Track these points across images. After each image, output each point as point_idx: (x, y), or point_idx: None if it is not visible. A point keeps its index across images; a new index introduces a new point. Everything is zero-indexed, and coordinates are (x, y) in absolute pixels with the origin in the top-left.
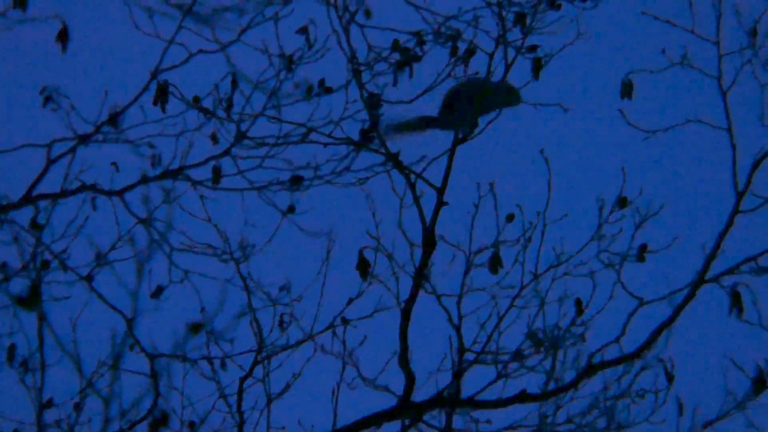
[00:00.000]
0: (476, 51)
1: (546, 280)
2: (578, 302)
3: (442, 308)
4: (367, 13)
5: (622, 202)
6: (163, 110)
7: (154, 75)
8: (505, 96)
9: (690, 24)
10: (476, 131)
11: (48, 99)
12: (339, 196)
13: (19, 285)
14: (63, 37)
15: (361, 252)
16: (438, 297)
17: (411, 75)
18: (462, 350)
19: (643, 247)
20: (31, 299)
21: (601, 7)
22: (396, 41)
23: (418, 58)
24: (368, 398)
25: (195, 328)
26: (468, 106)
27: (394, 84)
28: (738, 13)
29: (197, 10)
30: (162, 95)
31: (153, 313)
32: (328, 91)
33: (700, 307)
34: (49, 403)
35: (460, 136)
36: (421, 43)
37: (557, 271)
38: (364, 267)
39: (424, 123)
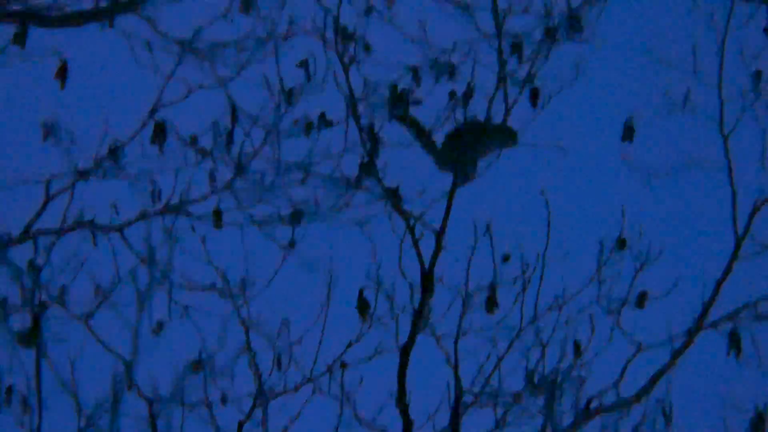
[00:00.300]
0: (474, 93)
1: (545, 322)
2: (577, 345)
3: (441, 350)
4: (367, 48)
5: (621, 243)
6: (161, 150)
7: (154, 111)
8: (502, 137)
9: (691, 67)
10: (475, 174)
11: (48, 132)
12: (338, 233)
13: (19, 322)
14: (62, 73)
15: (361, 292)
16: (437, 339)
17: (408, 108)
18: (460, 392)
19: (642, 294)
20: (31, 336)
21: (603, 49)
22: (394, 87)
23: (418, 102)
24: None
25: (196, 366)
26: (467, 150)
27: (390, 120)
28: (742, 56)
29: (197, 46)
30: (160, 134)
31: (153, 351)
32: (329, 124)
33: (698, 352)
34: None
35: (459, 180)
36: (417, 79)
37: (556, 312)
38: (363, 308)
39: (430, 144)
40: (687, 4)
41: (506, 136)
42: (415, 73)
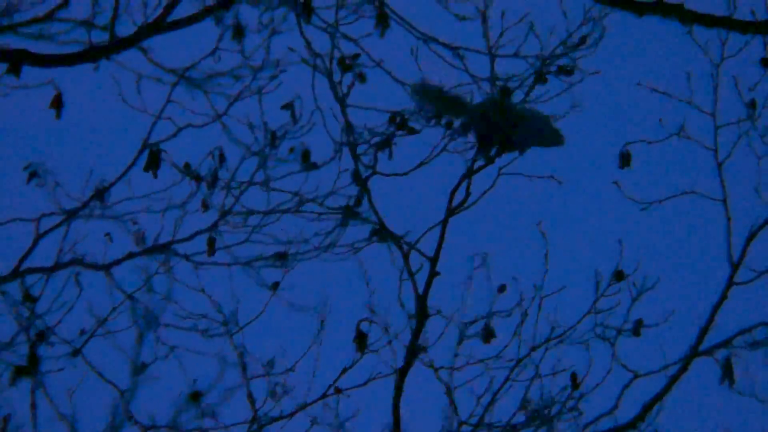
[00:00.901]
0: (470, 127)
1: (542, 353)
2: (573, 376)
3: (438, 380)
4: (361, 78)
5: (618, 275)
6: (155, 176)
7: (143, 149)
8: (548, 133)
9: (687, 95)
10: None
11: (33, 175)
12: (331, 269)
13: (13, 356)
14: (57, 103)
15: (358, 325)
16: (435, 370)
17: (390, 157)
18: (458, 423)
19: (639, 322)
20: (30, 368)
21: (598, 78)
22: (393, 116)
23: (415, 132)
24: None
25: (194, 397)
26: (488, 127)
27: (374, 164)
28: (736, 85)
29: (190, 75)
30: (153, 162)
31: (149, 383)
32: (314, 167)
33: (694, 380)
34: None
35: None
36: (404, 123)
37: (554, 344)
38: (361, 340)
39: (455, 111)
40: (681, 33)
41: (553, 136)
42: (403, 118)
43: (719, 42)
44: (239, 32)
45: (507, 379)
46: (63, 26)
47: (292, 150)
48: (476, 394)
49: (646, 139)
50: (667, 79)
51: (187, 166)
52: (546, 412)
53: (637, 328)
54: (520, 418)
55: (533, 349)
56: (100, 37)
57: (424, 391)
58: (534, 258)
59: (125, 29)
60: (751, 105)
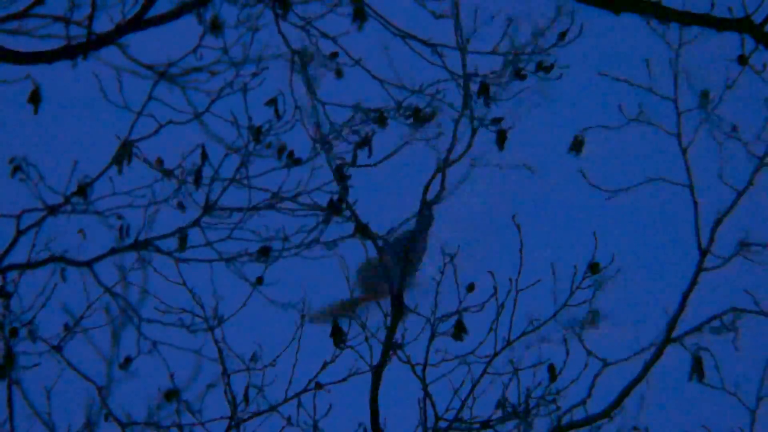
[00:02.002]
0: (436, 116)
1: (519, 347)
2: (551, 368)
3: (415, 376)
4: (339, 73)
5: (594, 268)
6: (120, 171)
7: (123, 146)
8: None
9: (647, 83)
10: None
11: (17, 169)
12: (310, 266)
13: None
14: (35, 98)
15: (335, 321)
16: (412, 366)
17: (370, 155)
18: (436, 419)
19: (594, 313)
20: (5, 367)
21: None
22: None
23: (384, 122)
24: None
25: (170, 395)
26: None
27: (353, 163)
28: (690, 73)
29: (170, 71)
30: (123, 156)
31: (127, 379)
32: (297, 162)
33: (670, 369)
34: None
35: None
36: (382, 120)
37: (530, 337)
38: (338, 335)
39: (349, 305)
40: (641, 24)
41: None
42: (381, 114)
43: (677, 29)
44: (217, 26)
45: (483, 373)
46: (40, 22)
47: (269, 146)
48: (453, 389)
49: (605, 125)
50: (628, 69)
51: (159, 161)
52: (523, 406)
53: (594, 319)
54: (498, 412)
55: (509, 343)
56: (78, 33)
57: (401, 387)
58: (508, 250)
59: (103, 25)
60: (704, 95)
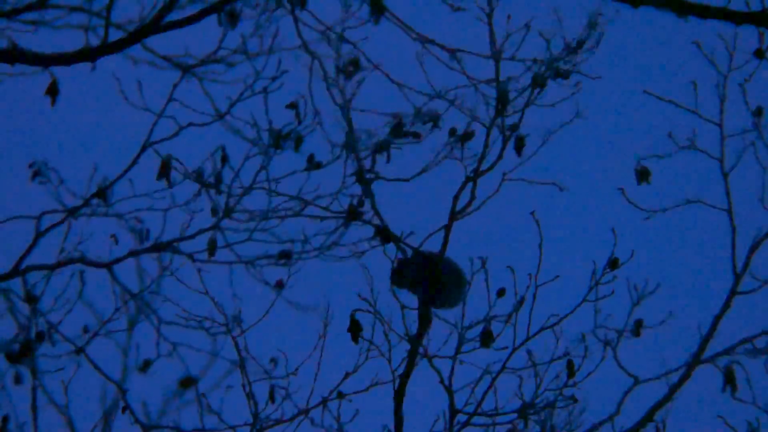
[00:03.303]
0: (474, 135)
1: (539, 344)
2: (570, 364)
3: (434, 370)
4: (355, 65)
5: (613, 263)
6: (169, 185)
7: (144, 148)
8: (454, 284)
9: (692, 104)
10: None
11: (37, 173)
12: (332, 270)
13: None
14: (53, 90)
15: (353, 315)
16: (429, 359)
17: (388, 160)
18: (454, 412)
19: (638, 323)
20: (24, 354)
21: (602, 85)
22: (399, 120)
23: (418, 136)
24: None
25: (186, 383)
26: (416, 277)
27: (372, 166)
28: (744, 93)
29: (184, 61)
30: (165, 170)
31: (145, 378)
32: (318, 166)
33: (696, 387)
34: None
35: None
36: (401, 126)
37: (549, 334)
38: (355, 330)
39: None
40: (687, 41)
41: (458, 284)
42: (400, 121)
43: (727, 52)
44: (234, 18)
45: (503, 368)
46: (58, 12)
47: (287, 136)
48: (474, 382)
49: (657, 154)
50: (672, 88)
51: (200, 174)
52: (542, 400)
53: (638, 328)
54: (517, 406)
55: (528, 338)
56: (97, 23)
57: (420, 380)
58: (536, 261)
59: (121, 13)
60: (758, 113)
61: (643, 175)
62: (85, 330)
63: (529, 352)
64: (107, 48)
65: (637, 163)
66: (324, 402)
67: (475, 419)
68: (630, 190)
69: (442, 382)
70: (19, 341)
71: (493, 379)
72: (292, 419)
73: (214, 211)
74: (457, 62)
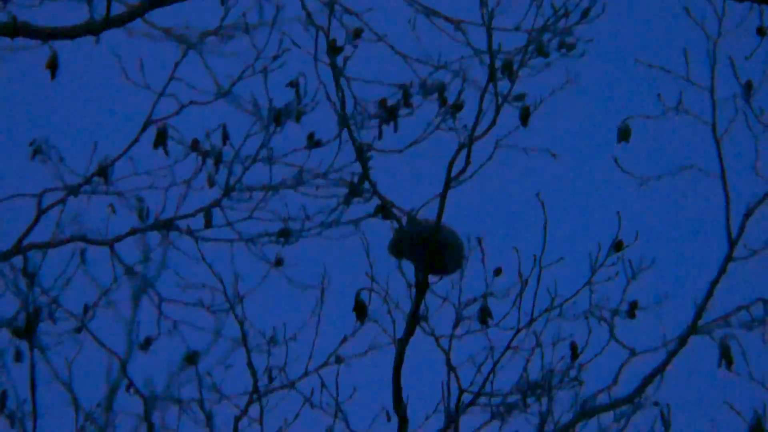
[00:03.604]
0: (464, 106)
1: (542, 324)
2: (573, 346)
3: (440, 349)
4: (357, 34)
5: (617, 246)
6: (167, 153)
7: (145, 126)
8: (452, 253)
9: (683, 71)
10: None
11: (37, 151)
12: (331, 247)
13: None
14: (52, 64)
15: (358, 294)
16: (436, 338)
17: (396, 130)
18: (459, 392)
19: (633, 304)
20: (29, 329)
21: (594, 53)
22: (383, 100)
23: (410, 105)
24: None
25: (190, 358)
26: (414, 247)
27: (380, 138)
28: (733, 65)
29: (187, 34)
30: (161, 139)
31: (148, 357)
32: (318, 144)
33: (693, 358)
34: None
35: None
36: (407, 97)
37: (553, 314)
38: (361, 309)
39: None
40: (678, 8)
41: (456, 255)
42: (405, 91)
43: (716, 18)
44: None
45: (507, 347)
46: None
47: (287, 111)
48: (477, 363)
49: (644, 115)
50: (663, 54)
51: (196, 143)
52: (546, 381)
53: (632, 310)
54: (521, 387)
55: (533, 319)
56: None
57: (425, 361)
58: (532, 230)
59: None
60: (747, 86)
61: (623, 133)
62: (86, 308)
63: (535, 334)
64: (110, 22)
65: (621, 122)
66: (324, 365)
67: (480, 399)
68: (620, 156)
69: (449, 362)
70: (24, 317)
71: (496, 361)
72: (291, 385)
73: (211, 182)
74: (461, 33)
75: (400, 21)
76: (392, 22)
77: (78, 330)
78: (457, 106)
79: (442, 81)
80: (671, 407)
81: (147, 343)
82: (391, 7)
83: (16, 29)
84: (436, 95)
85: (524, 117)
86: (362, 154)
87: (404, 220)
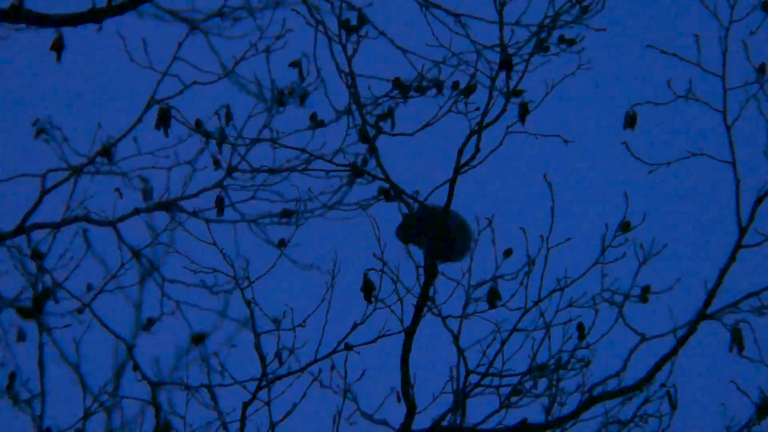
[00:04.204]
0: (476, 88)
1: (550, 305)
2: (580, 327)
3: (447, 330)
4: (362, 20)
5: (625, 227)
6: (166, 134)
7: (149, 106)
8: (460, 236)
9: (695, 57)
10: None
11: (40, 131)
12: (337, 227)
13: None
14: (58, 46)
15: (366, 274)
16: (443, 318)
17: (393, 127)
18: (467, 372)
19: (646, 289)
20: (36, 310)
21: (606, 39)
22: (397, 79)
23: (422, 90)
24: (371, 428)
25: (197, 339)
26: (422, 231)
27: (392, 126)
28: (746, 48)
29: (191, 16)
30: (164, 120)
31: (153, 339)
32: (321, 124)
33: (703, 342)
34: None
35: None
36: (404, 91)
37: (561, 296)
38: (368, 289)
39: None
40: None
41: (464, 238)
42: (402, 86)
43: (728, 5)
44: None
45: (514, 328)
46: None
47: (291, 92)
48: (484, 344)
49: (653, 101)
50: (675, 41)
51: (199, 123)
52: (553, 362)
53: (644, 294)
54: (529, 369)
55: (540, 300)
56: None
57: (432, 342)
58: (542, 217)
59: None
60: (761, 69)
61: (630, 120)
62: (89, 287)
63: (542, 313)
64: (113, 9)
65: (630, 108)
66: (333, 353)
67: (486, 380)
68: (631, 140)
69: (456, 342)
70: (29, 297)
71: (504, 340)
72: (300, 371)
73: (217, 164)
74: (461, 26)
75: (400, 16)
76: (393, 17)
77: (80, 311)
78: (469, 89)
79: (440, 78)
80: (678, 388)
81: (149, 324)
82: (391, 1)
83: (20, 15)
84: (435, 90)
85: (523, 114)
86: (367, 134)
87: (412, 203)
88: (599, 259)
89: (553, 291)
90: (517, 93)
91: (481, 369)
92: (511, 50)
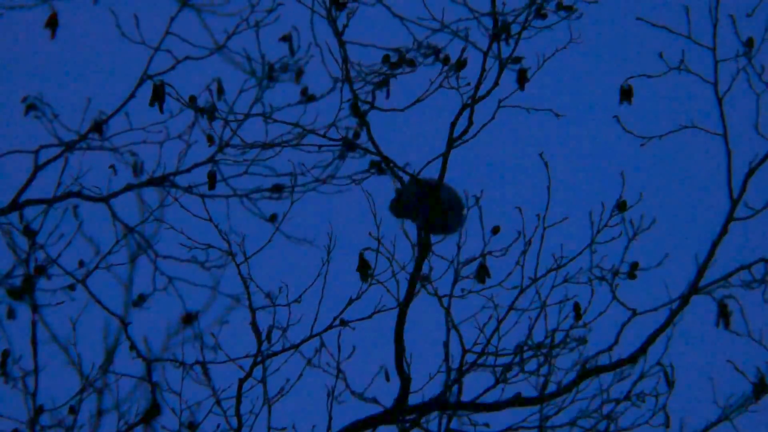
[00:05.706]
0: (467, 63)
1: (546, 283)
2: (577, 306)
3: (442, 308)
4: None
5: (621, 206)
6: (161, 110)
7: (141, 81)
8: (453, 209)
9: (685, 30)
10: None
11: (30, 107)
12: (333, 202)
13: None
14: (52, 23)
15: (361, 254)
16: (439, 297)
17: (388, 96)
18: (463, 351)
19: (634, 265)
20: (24, 290)
21: (597, 12)
22: (387, 56)
23: (413, 64)
24: (362, 406)
25: (188, 319)
26: (415, 203)
27: (387, 96)
28: (734, 21)
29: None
30: (158, 96)
31: (147, 314)
32: (312, 98)
33: (696, 317)
34: (41, 410)
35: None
36: (402, 60)
37: (556, 275)
38: (364, 269)
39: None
40: None
41: (456, 214)
42: (402, 55)
43: None
44: None
45: (510, 307)
46: None
47: (286, 68)
48: (480, 324)
49: (646, 74)
50: (665, 14)
51: (193, 99)
52: (549, 341)
53: (632, 271)
54: (524, 346)
55: (535, 279)
56: None
57: (428, 322)
58: (535, 190)
59: None
60: (749, 43)
61: (626, 94)
62: (81, 264)
63: (537, 292)
64: None
65: (624, 81)
66: (329, 328)
67: (482, 359)
68: (622, 113)
69: (452, 321)
70: (19, 276)
71: (500, 321)
72: (295, 347)
73: (210, 139)
74: None
75: None
76: None
77: (73, 287)
78: (460, 64)
79: (437, 46)
80: (675, 367)
81: (140, 300)
82: None
83: None
84: (433, 58)
85: (521, 80)
86: (359, 108)
87: (404, 176)
88: (595, 239)
89: (550, 270)
90: (516, 60)
91: (478, 348)
92: (509, 18)
